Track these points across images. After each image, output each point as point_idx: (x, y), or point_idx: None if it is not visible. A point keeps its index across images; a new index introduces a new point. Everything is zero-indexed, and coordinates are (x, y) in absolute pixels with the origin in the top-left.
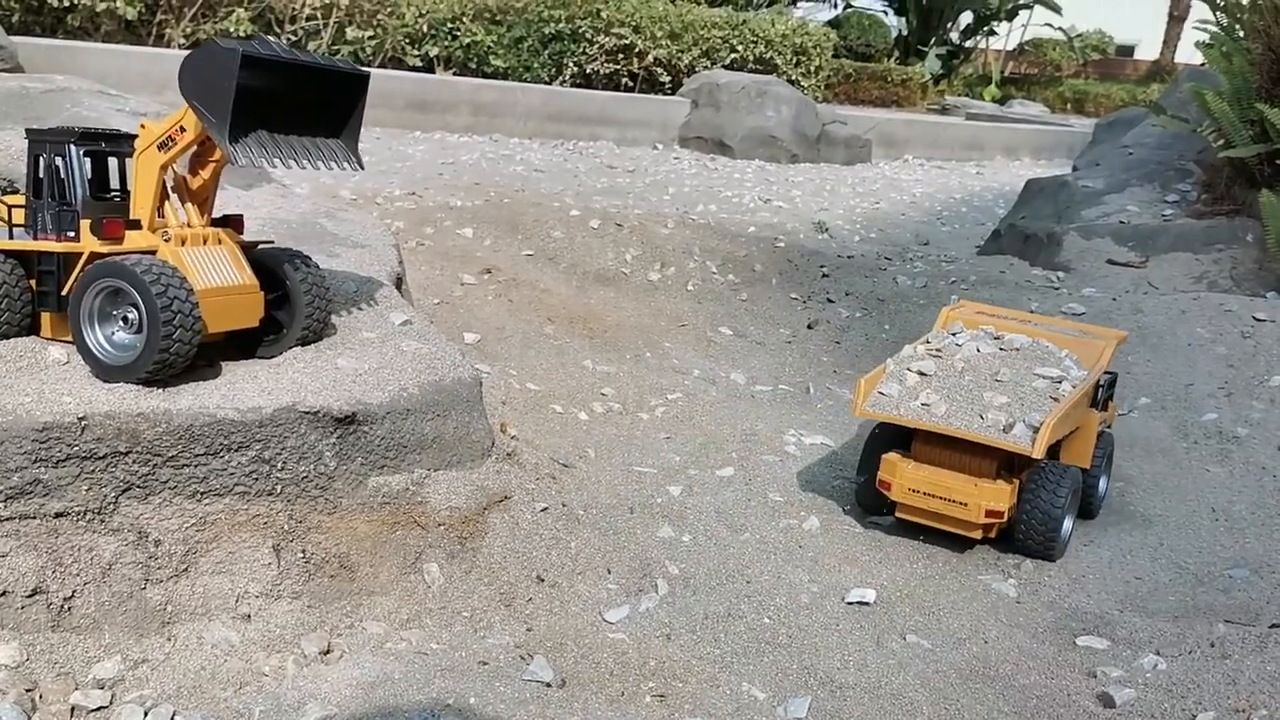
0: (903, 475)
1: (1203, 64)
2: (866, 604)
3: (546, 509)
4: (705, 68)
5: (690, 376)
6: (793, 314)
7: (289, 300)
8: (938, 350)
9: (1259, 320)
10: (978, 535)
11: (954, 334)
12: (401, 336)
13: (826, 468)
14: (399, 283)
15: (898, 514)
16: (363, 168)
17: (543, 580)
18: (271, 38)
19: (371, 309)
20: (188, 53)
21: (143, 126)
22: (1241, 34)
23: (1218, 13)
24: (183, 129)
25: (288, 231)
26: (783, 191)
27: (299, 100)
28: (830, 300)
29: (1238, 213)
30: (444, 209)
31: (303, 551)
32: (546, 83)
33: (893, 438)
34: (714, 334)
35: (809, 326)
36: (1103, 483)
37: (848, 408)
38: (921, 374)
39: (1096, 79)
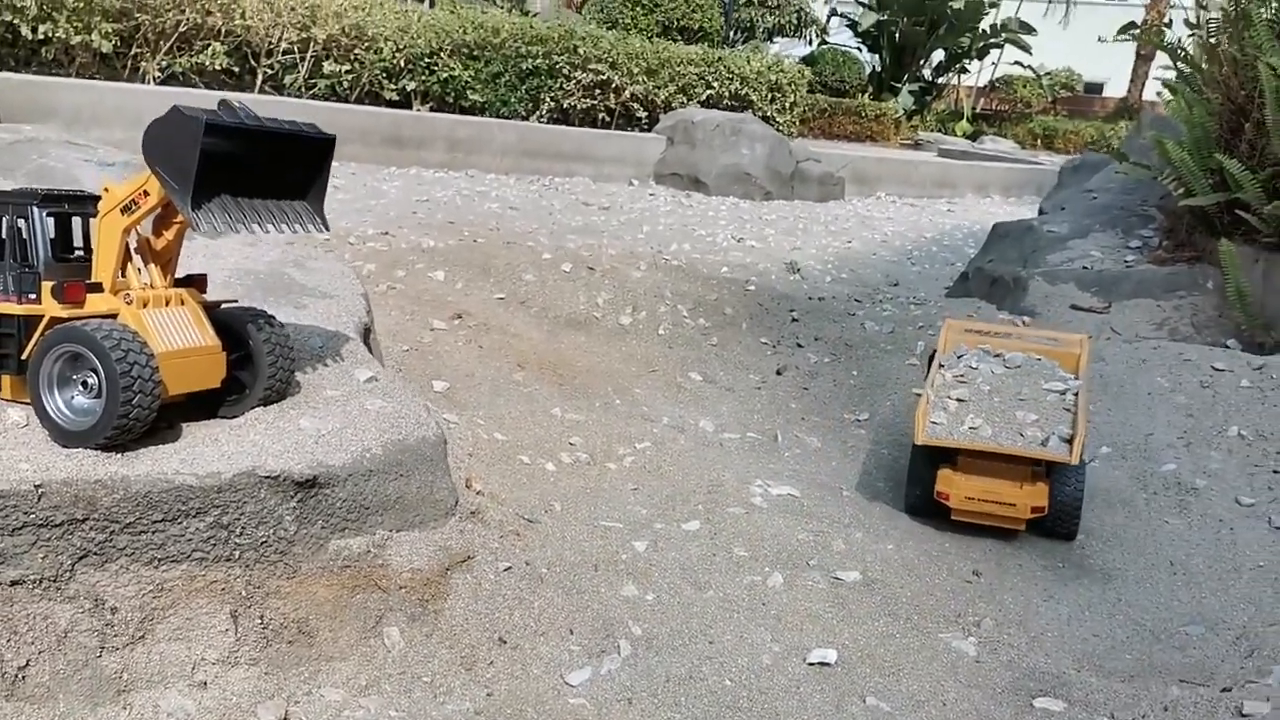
0: (959, 486)
1: (1168, 102)
2: (828, 664)
3: (510, 568)
4: (681, 104)
5: (659, 424)
6: (762, 359)
7: (252, 360)
8: (960, 377)
9: (1217, 370)
10: (1022, 527)
11: (960, 356)
12: (366, 394)
13: (792, 520)
14: (366, 334)
15: (954, 516)
16: (328, 229)
17: (504, 642)
18: (236, 101)
19: (337, 365)
20: (151, 120)
21: (106, 190)
22: (1201, 84)
23: (1178, 63)
24: (146, 193)
25: (255, 282)
26: (756, 230)
27: (264, 163)
28: (799, 345)
29: (1198, 260)
30: (416, 250)
31: (260, 617)
32: (524, 117)
33: (934, 454)
34: (684, 379)
35: (778, 372)
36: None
37: (816, 453)
38: (960, 400)
39: (1066, 115)
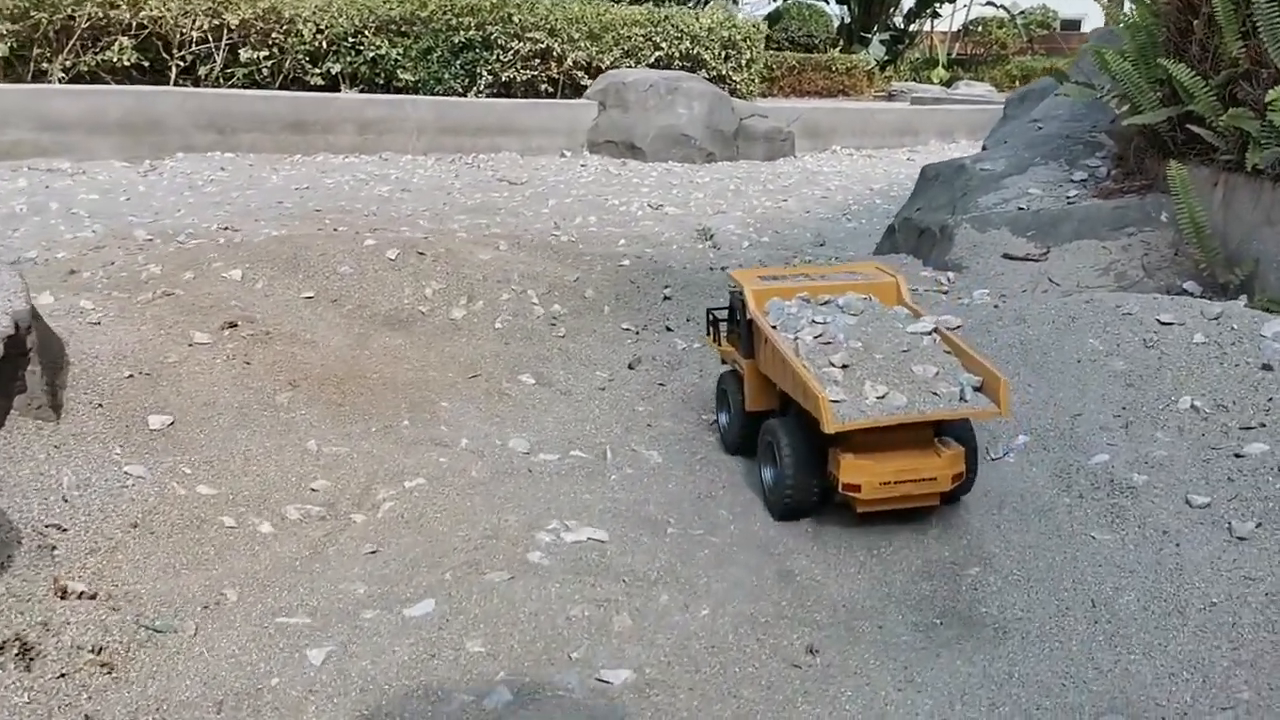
0: (871, 473)
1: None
2: None
3: None
4: (629, 68)
5: (454, 449)
6: (618, 350)
7: None
8: (822, 337)
9: (1164, 324)
10: (938, 501)
11: (791, 313)
12: None
13: (574, 585)
14: None
15: (861, 509)
16: None
17: None
18: None
19: None
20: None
21: None
22: None
23: None
24: None
25: None
26: (682, 195)
27: None
28: (668, 329)
29: (1150, 189)
30: (223, 248)
31: None
32: (461, 94)
33: (826, 438)
34: (511, 384)
35: (630, 366)
36: None
37: (652, 473)
38: (844, 366)
39: (1043, 54)
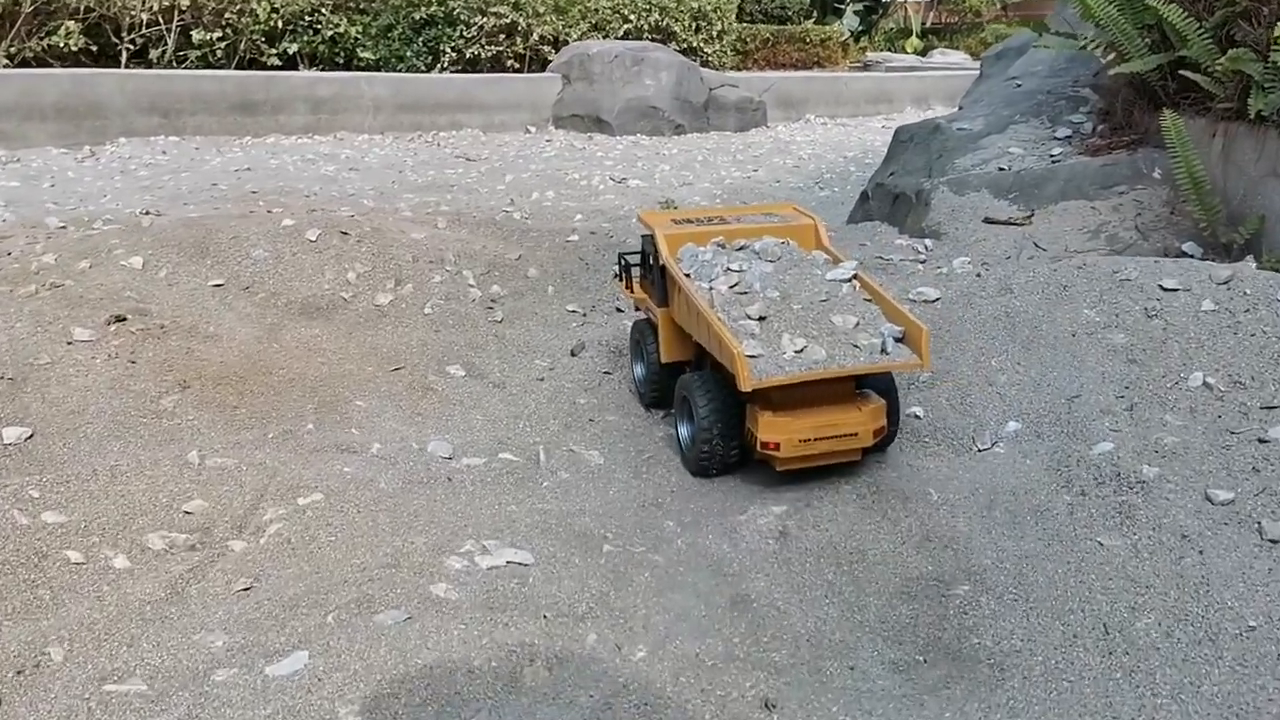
0: (789, 430)
1: None
2: None
3: None
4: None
5: (362, 456)
6: (561, 335)
7: None
8: (738, 287)
9: (1167, 291)
10: (859, 457)
11: (705, 259)
12: None
13: (484, 624)
14: None
15: (781, 468)
16: None
17: None
18: None
19: None
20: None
21: None
22: None
23: None
24: None
25: None
26: (647, 168)
27: None
28: (618, 310)
29: (1140, 143)
30: (127, 233)
31: None
32: (425, 71)
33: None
34: (438, 378)
35: (573, 353)
36: None
37: (590, 477)
38: (761, 318)
39: (1019, 21)
